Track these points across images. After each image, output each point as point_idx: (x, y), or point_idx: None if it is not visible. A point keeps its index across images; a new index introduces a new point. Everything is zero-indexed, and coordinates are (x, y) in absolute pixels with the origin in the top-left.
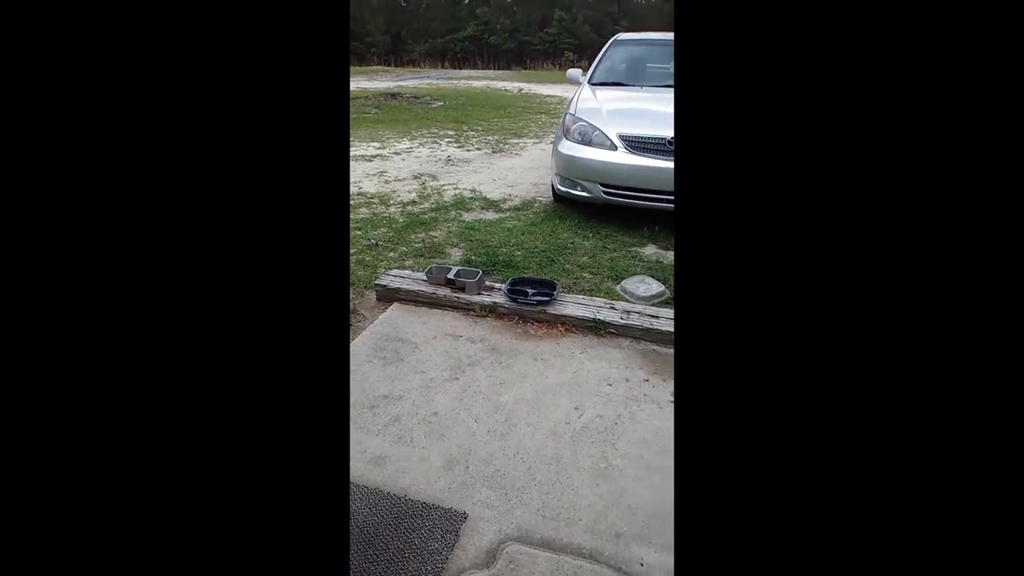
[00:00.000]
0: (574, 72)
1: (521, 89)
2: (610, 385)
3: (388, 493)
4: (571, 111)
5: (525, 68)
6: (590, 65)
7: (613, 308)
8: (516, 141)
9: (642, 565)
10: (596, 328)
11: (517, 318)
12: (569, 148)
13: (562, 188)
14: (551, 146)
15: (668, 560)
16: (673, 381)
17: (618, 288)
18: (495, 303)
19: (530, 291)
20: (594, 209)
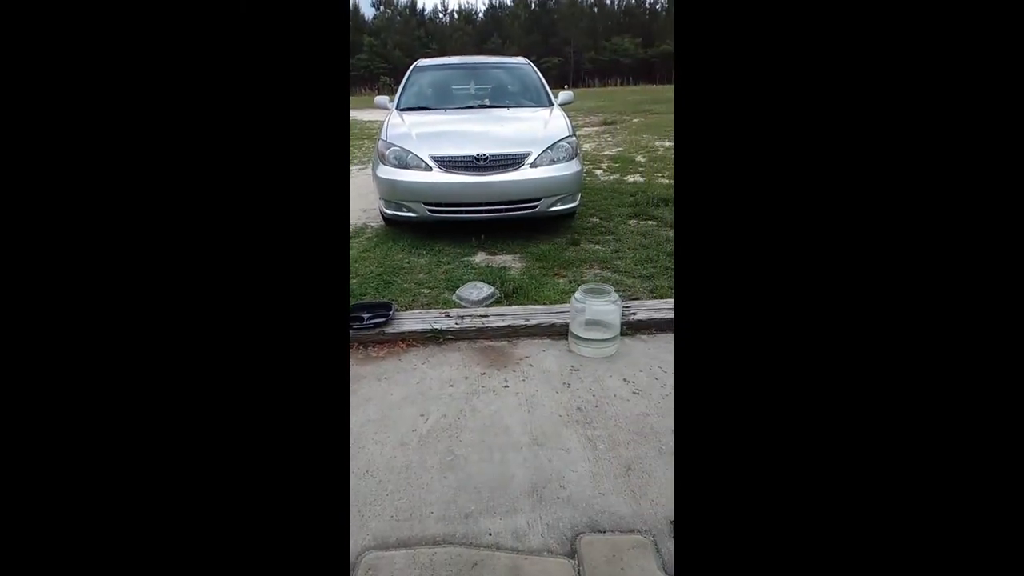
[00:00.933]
0: (381, 99)
1: None
2: (451, 386)
3: None
4: (383, 137)
5: None
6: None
7: (448, 316)
8: None
9: (490, 534)
10: (435, 337)
11: (357, 344)
12: (387, 172)
13: (388, 211)
14: None
15: (511, 524)
16: (505, 369)
17: (454, 296)
18: None
19: (366, 316)
20: (425, 227)
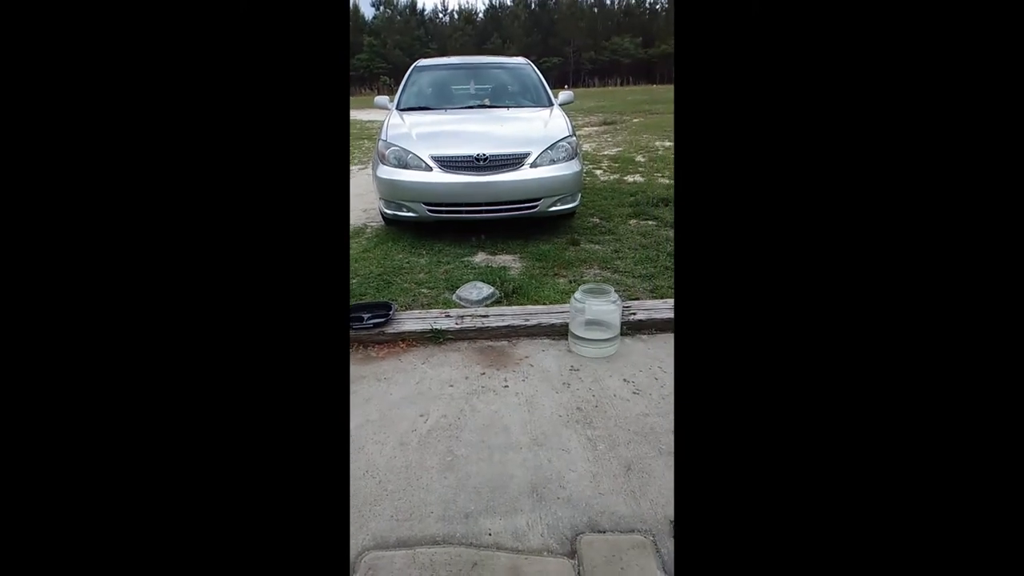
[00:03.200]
0: (381, 99)
1: None
2: (451, 386)
3: None
4: (383, 137)
5: None
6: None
7: (448, 316)
8: None
9: (490, 534)
10: (435, 337)
11: (357, 344)
12: (388, 172)
13: (388, 211)
14: None
15: (511, 524)
16: (505, 370)
17: (454, 297)
18: None
19: (366, 316)
20: (425, 227)
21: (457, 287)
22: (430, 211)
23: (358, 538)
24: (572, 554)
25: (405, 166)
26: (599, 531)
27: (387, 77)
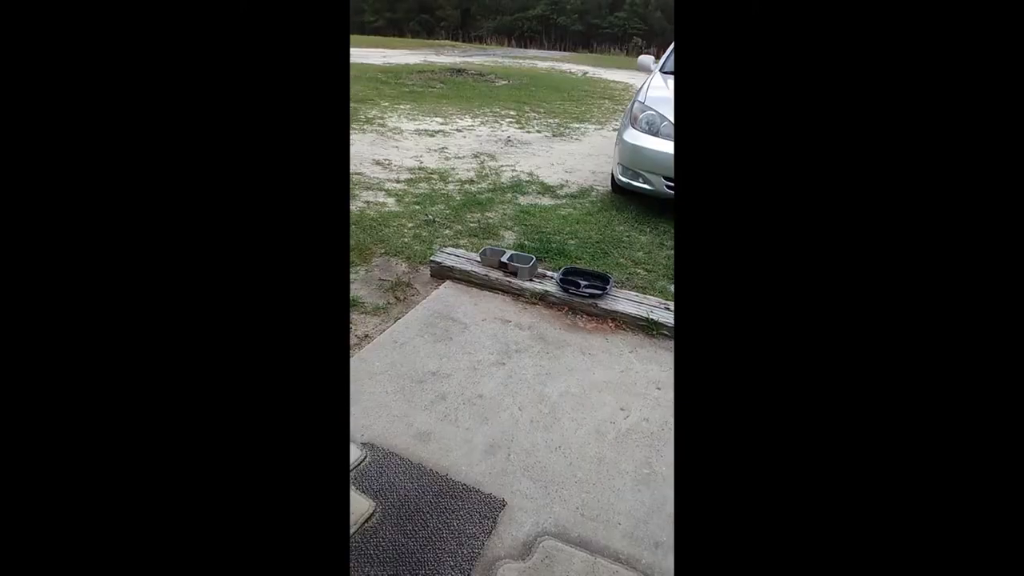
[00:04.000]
0: (646, 59)
1: (586, 72)
2: (659, 388)
3: (430, 470)
4: (640, 99)
5: (591, 51)
6: (661, 53)
7: (668, 309)
8: (577, 126)
9: None
10: (648, 328)
11: (567, 309)
12: (635, 137)
13: (623, 178)
14: (614, 133)
15: None
16: None
17: (672, 287)
18: (546, 291)
19: (582, 283)
20: (653, 203)
21: None
22: (668, 187)
23: (541, 517)
24: None
25: (656, 133)
26: None
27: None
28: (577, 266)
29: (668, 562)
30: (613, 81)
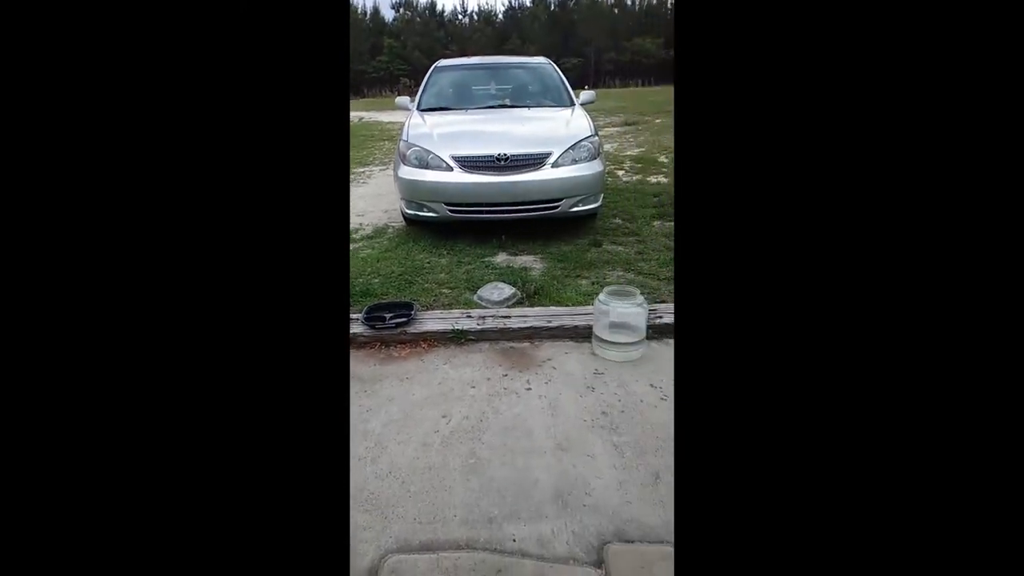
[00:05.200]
0: (402, 99)
1: (362, 118)
2: (473, 387)
3: None
4: (404, 137)
5: (363, 97)
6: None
7: (470, 316)
8: (362, 170)
9: (515, 540)
10: (457, 338)
11: (379, 344)
12: (408, 172)
13: (409, 211)
14: None
15: (536, 530)
16: (528, 371)
17: (475, 297)
18: (355, 333)
19: (387, 315)
20: (446, 227)
21: (478, 287)
22: (451, 211)
23: (381, 540)
24: (599, 564)
25: (426, 166)
26: (627, 541)
27: (407, 79)
28: (381, 301)
29: (502, 532)
30: (389, 123)
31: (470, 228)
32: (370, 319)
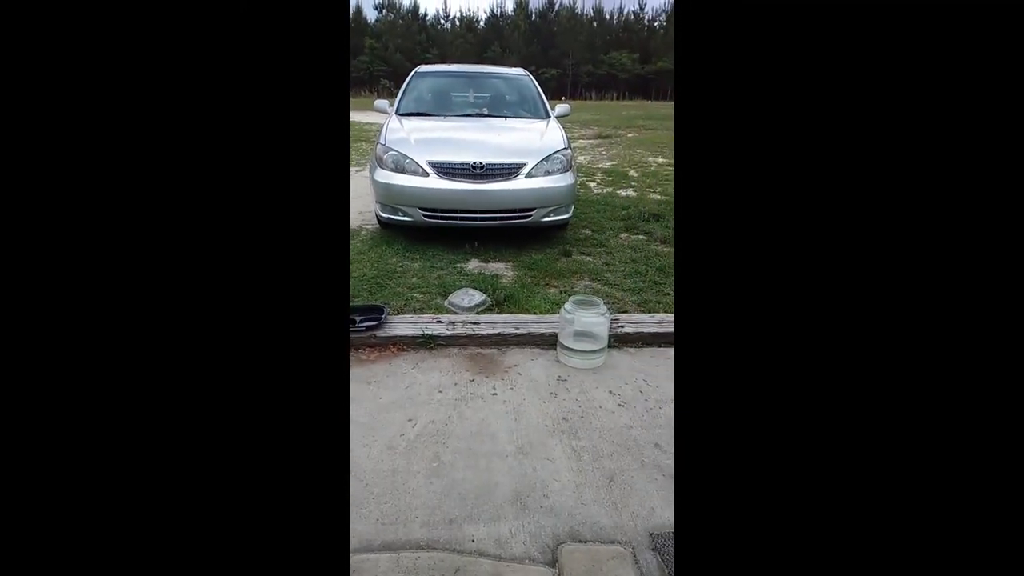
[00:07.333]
0: (381, 103)
1: None
2: (440, 392)
3: None
4: (382, 141)
5: None
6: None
7: (440, 321)
8: None
9: (473, 541)
10: (426, 342)
11: (349, 347)
12: (385, 176)
13: (384, 215)
14: None
15: (494, 531)
16: (494, 377)
17: (446, 302)
18: None
19: (358, 319)
20: (420, 232)
21: (449, 293)
22: (425, 216)
23: None
24: (553, 563)
25: (402, 171)
26: (580, 541)
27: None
28: (352, 304)
29: (461, 532)
30: (367, 124)
31: (444, 234)
32: None
